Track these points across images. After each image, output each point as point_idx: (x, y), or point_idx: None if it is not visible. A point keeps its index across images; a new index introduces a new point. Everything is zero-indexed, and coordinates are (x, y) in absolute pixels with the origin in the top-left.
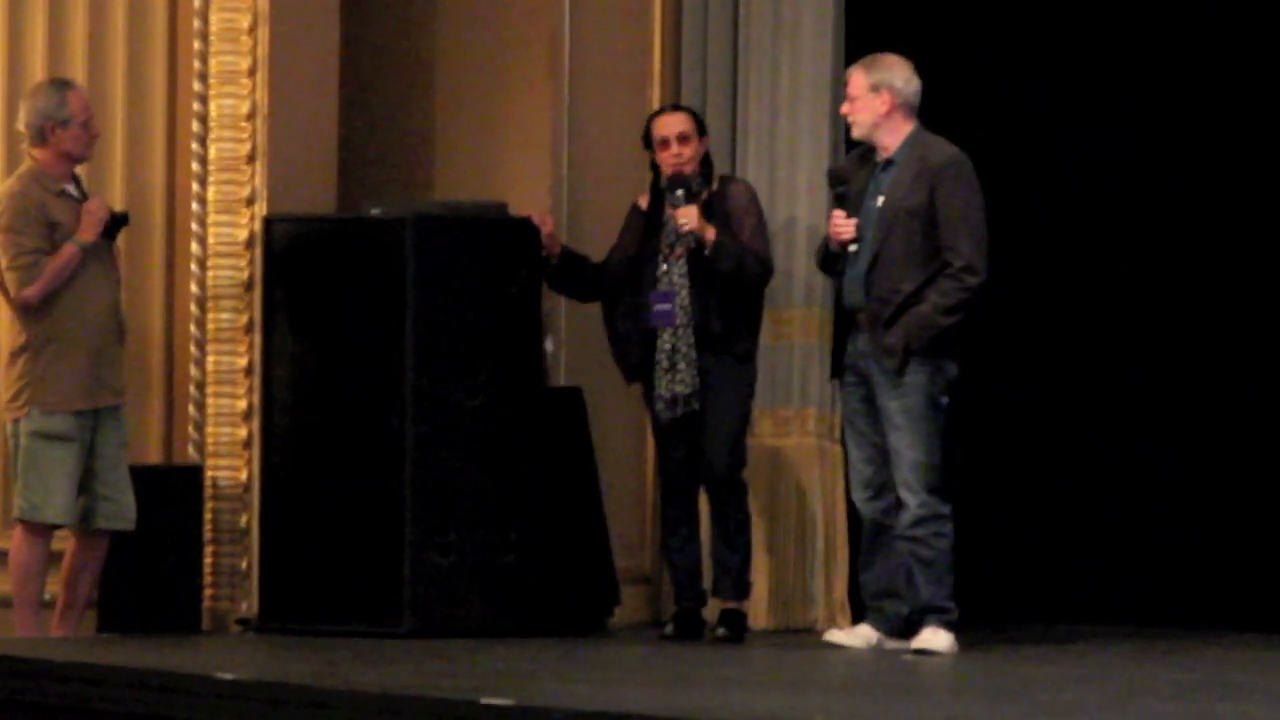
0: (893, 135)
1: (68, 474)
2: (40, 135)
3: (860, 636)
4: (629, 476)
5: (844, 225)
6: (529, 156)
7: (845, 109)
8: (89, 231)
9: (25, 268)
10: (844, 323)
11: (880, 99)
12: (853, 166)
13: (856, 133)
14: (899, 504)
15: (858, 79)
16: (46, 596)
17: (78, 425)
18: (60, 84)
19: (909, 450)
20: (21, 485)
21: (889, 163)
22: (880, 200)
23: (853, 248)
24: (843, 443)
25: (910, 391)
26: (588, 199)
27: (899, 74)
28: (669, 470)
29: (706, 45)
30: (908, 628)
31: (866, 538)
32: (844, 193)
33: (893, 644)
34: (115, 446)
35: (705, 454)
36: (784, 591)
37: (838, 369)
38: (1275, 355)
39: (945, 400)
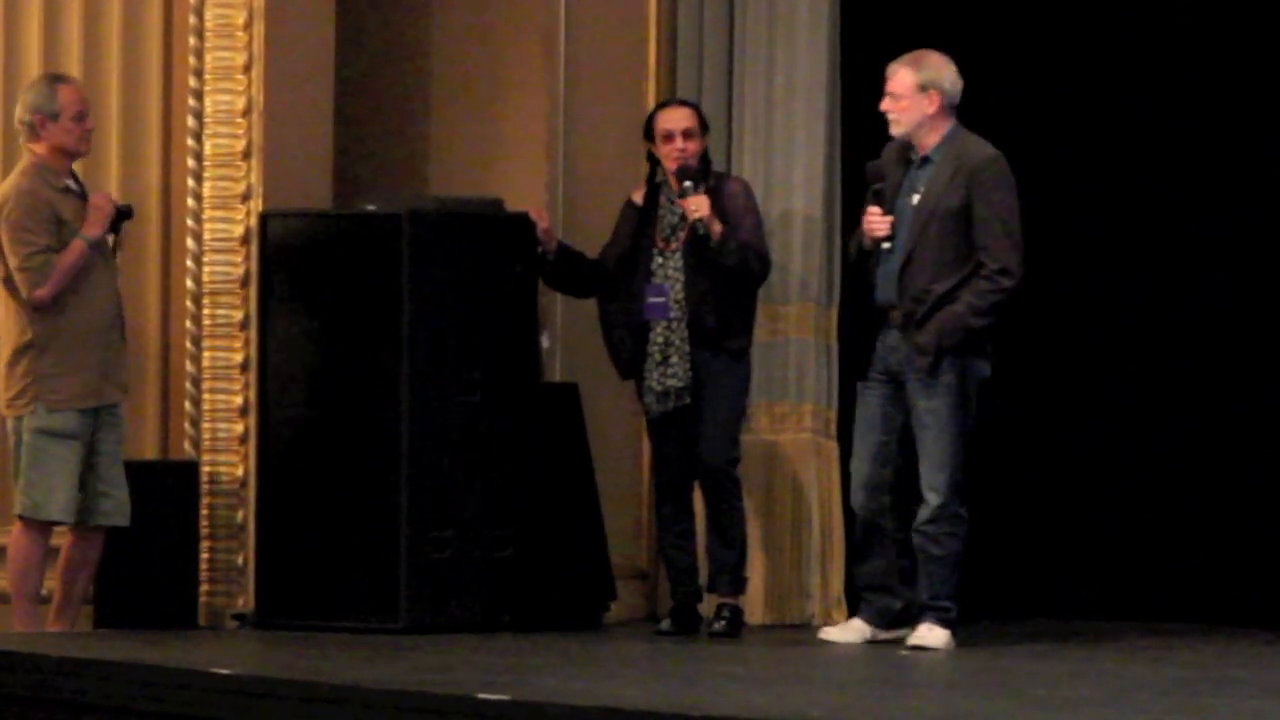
0: (933, 134)
1: (71, 471)
2: (33, 130)
3: (853, 630)
4: (625, 472)
5: (879, 222)
6: (525, 152)
7: (887, 106)
8: (96, 227)
9: (38, 268)
10: (872, 320)
11: (928, 99)
12: (890, 162)
13: (896, 131)
14: (894, 503)
15: (904, 77)
16: (43, 592)
17: (82, 423)
18: (53, 78)
19: (935, 449)
20: (24, 482)
21: (925, 160)
22: (916, 198)
23: (886, 245)
24: (840, 438)
25: (940, 391)
26: (584, 195)
27: (947, 74)
28: (664, 466)
29: (702, 41)
30: (899, 620)
31: (859, 534)
32: (881, 189)
33: (884, 635)
34: (114, 443)
35: (700, 449)
36: (780, 587)
37: (865, 368)
38: (1275, 353)
39: (974, 402)
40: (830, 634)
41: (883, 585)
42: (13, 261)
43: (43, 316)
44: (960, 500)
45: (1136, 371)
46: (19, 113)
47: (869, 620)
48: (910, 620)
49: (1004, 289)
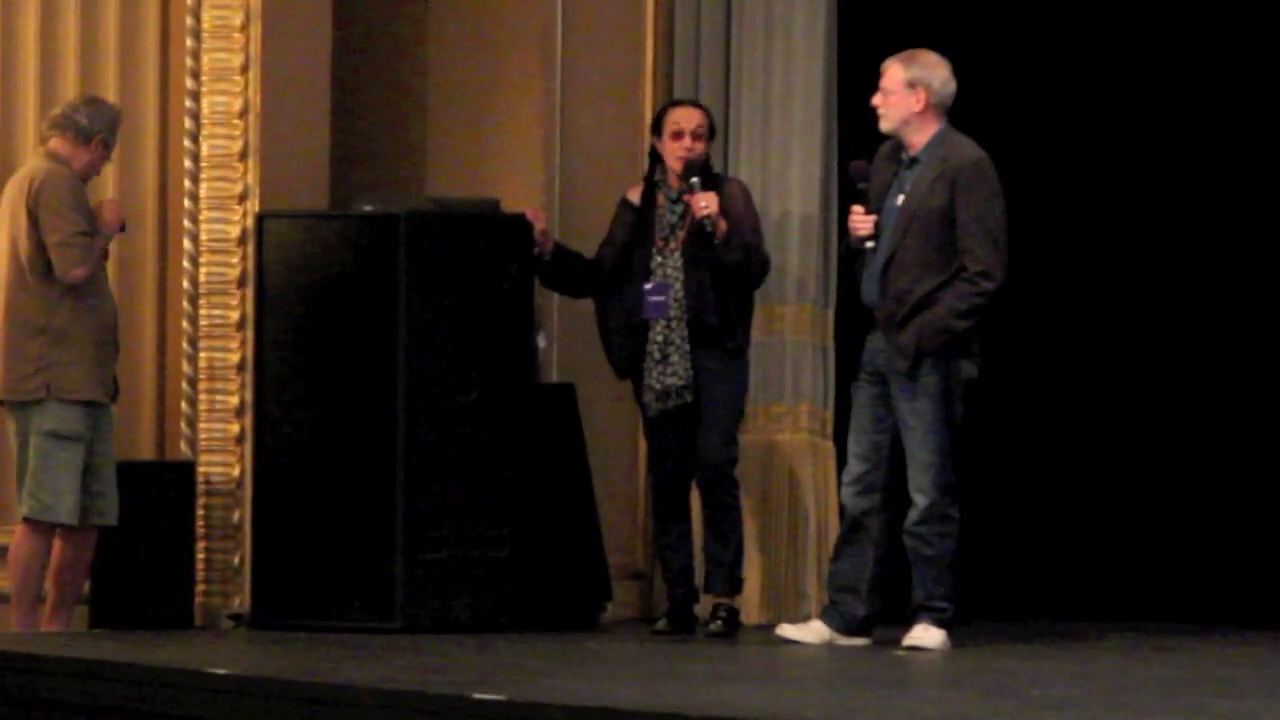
0: (921, 134)
1: (77, 473)
2: (86, 139)
3: (812, 632)
4: (621, 472)
5: (862, 221)
6: (521, 153)
7: (877, 100)
8: (114, 226)
9: (81, 247)
10: (865, 320)
11: (915, 96)
12: (880, 162)
13: (884, 126)
14: (884, 504)
15: (895, 73)
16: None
17: (86, 424)
18: (119, 110)
19: (920, 451)
20: (33, 484)
21: (913, 161)
22: (901, 199)
23: (870, 245)
24: (837, 439)
25: (923, 393)
26: (580, 196)
27: (938, 74)
28: (661, 466)
29: (699, 42)
30: (861, 628)
31: (843, 531)
32: (866, 189)
33: (845, 642)
34: (108, 444)
35: (698, 449)
36: (776, 587)
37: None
38: (1273, 355)
39: (960, 403)
40: (788, 631)
41: (851, 588)
42: (54, 237)
43: (63, 304)
44: (950, 500)
45: (1128, 372)
46: (87, 116)
47: (830, 623)
48: (871, 630)
49: (985, 292)
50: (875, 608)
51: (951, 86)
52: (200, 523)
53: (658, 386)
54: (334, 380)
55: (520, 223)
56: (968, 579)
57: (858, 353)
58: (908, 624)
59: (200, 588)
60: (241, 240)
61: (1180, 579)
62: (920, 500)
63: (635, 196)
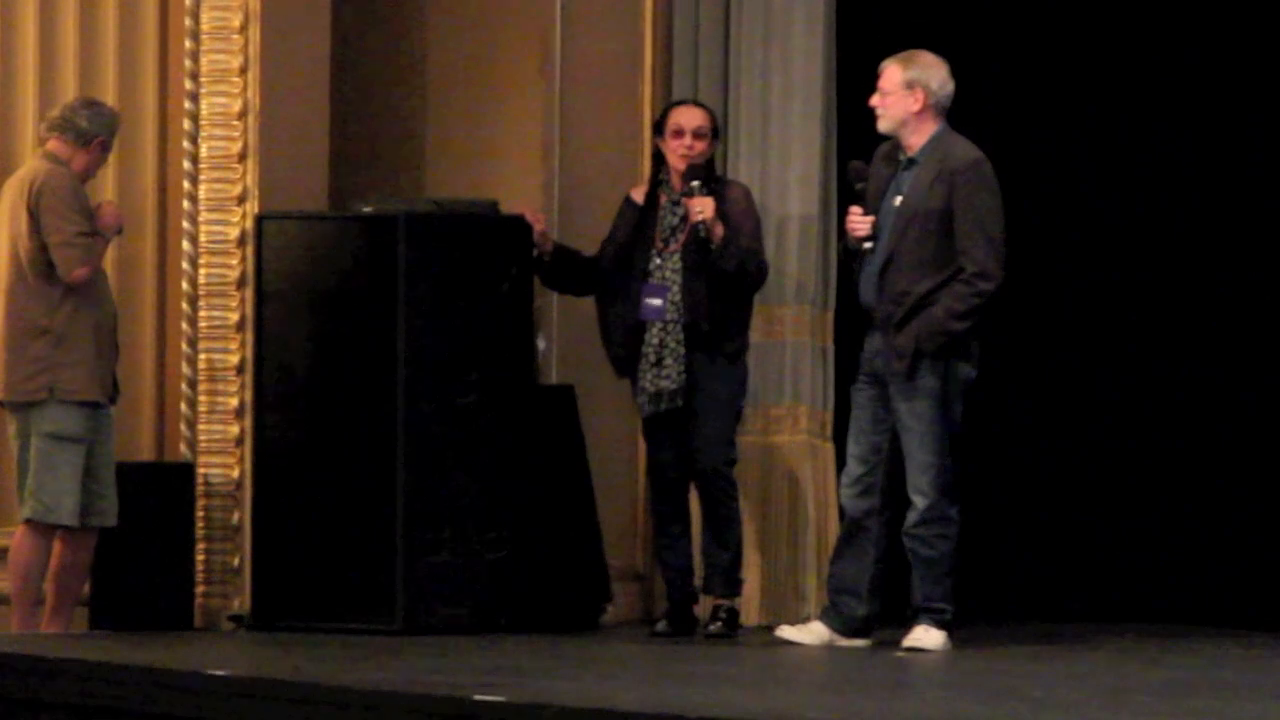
0: (919, 134)
1: (78, 474)
2: (85, 141)
3: (811, 633)
4: (621, 474)
5: (860, 222)
6: (521, 154)
7: (875, 101)
8: (113, 227)
9: (84, 248)
10: (862, 321)
11: (913, 97)
12: (878, 163)
13: (882, 126)
14: (884, 506)
15: (892, 74)
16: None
17: (87, 425)
18: (118, 113)
19: (919, 452)
20: (35, 486)
21: (911, 162)
22: (899, 200)
23: (868, 245)
24: (836, 440)
25: (921, 394)
26: (579, 197)
27: (936, 75)
28: (659, 467)
29: (698, 43)
30: (860, 629)
31: (842, 533)
32: (863, 189)
33: (845, 643)
34: (108, 445)
35: (696, 451)
36: (776, 588)
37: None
38: (1272, 355)
39: (959, 404)
40: (788, 633)
41: (851, 589)
42: (56, 238)
43: (64, 305)
44: (949, 501)
45: (1128, 372)
46: (87, 119)
47: (830, 624)
48: (870, 632)
49: (982, 292)
50: (875, 609)
51: (950, 87)
52: (200, 524)
53: (650, 389)
54: (334, 381)
55: (520, 223)
56: (967, 579)
57: (857, 354)
58: (907, 625)
59: (200, 589)
60: (241, 241)
61: (1180, 579)
62: (919, 501)
63: (639, 196)
